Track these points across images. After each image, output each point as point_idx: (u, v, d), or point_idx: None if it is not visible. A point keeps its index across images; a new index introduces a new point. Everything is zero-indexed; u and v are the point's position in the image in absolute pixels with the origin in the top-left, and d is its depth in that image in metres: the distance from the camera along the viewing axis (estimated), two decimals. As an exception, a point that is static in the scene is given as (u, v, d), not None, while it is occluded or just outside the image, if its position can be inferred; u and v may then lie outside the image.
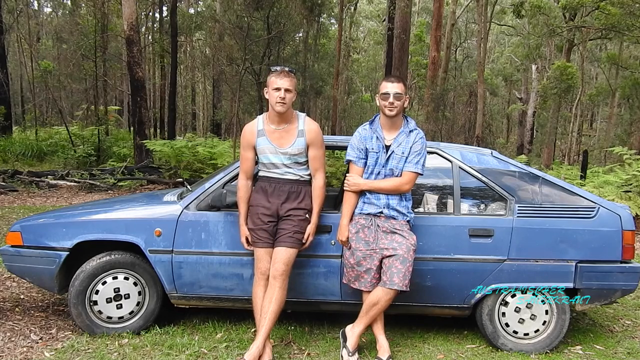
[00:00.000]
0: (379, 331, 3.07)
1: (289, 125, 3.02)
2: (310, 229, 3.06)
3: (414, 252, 2.93)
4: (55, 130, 18.41)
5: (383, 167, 3.03)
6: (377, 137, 3.05)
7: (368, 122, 3.14)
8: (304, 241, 3.05)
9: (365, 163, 3.07)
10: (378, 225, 3.01)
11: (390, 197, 3.02)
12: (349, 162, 3.11)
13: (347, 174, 3.14)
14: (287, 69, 3.00)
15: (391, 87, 2.97)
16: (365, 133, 3.08)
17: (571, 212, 3.21)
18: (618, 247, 3.19)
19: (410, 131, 3.05)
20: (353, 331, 3.05)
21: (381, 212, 3.01)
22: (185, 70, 29.62)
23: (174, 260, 3.23)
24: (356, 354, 3.03)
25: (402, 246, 2.91)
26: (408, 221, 3.04)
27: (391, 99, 2.95)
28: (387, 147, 3.04)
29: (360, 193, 3.08)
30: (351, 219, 3.08)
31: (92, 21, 18.21)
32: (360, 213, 3.06)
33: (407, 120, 3.10)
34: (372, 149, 3.04)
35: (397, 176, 3.02)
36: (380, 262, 2.97)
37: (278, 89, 2.92)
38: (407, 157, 3.01)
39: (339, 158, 12.20)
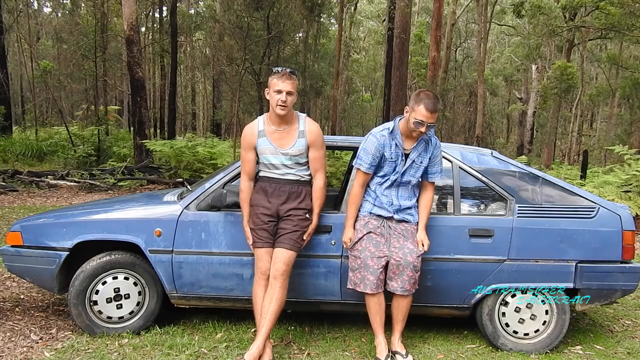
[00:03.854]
0: (380, 330, 3.06)
1: (290, 126, 3.02)
2: (310, 229, 3.06)
3: (421, 258, 2.99)
4: (55, 130, 18.42)
5: (401, 175, 3.02)
6: (396, 144, 3.00)
7: (386, 129, 3.03)
8: (303, 238, 3.05)
9: (375, 170, 3.04)
10: (390, 227, 3.03)
11: (402, 201, 3.04)
12: (357, 168, 3.04)
13: (354, 181, 3.09)
14: (288, 70, 2.98)
15: (427, 118, 2.85)
16: (383, 140, 3.00)
17: (571, 212, 3.21)
18: (618, 247, 3.19)
19: (429, 139, 3.04)
20: (394, 342, 3.09)
21: (392, 217, 3.04)
22: (185, 70, 29.63)
23: (174, 260, 3.23)
24: (409, 355, 3.06)
25: (412, 254, 2.94)
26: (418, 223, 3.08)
27: (423, 129, 2.89)
28: (406, 156, 3.01)
29: (368, 192, 3.09)
30: (358, 219, 3.08)
31: (92, 21, 18.21)
32: (371, 213, 3.06)
33: None
34: (391, 157, 3.00)
35: (413, 185, 3.05)
36: (386, 264, 2.97)
37: (279, 92, 2.91)
38: (427, 167, 3.04)
39: (339, 158, 12.20)
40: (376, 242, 2.99)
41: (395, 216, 3.04)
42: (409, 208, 3.07)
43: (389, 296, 3.04)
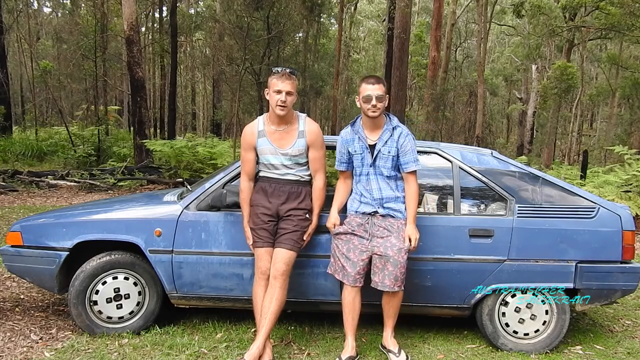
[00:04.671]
0: (350, 331, 3.04)
1: (290, 126, 3.02)
2: (310, 229, 3.06)
3: (405, 253, 2.93)
4: (55, 130, 18.43)
5: (371, 167, 3.03)
6: (359, 137, 3.04)
7: (350, 125, 3.13)
8: (304, 238, 3.05)
9: (350, 166, 3.12)
10: (374, 224, 3.02)
11: (383, 193, 3.02)
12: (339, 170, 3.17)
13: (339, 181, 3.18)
14: (288, 70, 2.98)
15: (372, 90, 2.94)
16: (347, 136, 3.09)
17: (571, 213, 3.21)
18: (618, 247, 3.19)
19: (393, 128, 3.03)
20: (386, 338, 3.10)
21: (376, 212, 3.02)
22: (185, 70, 29.62)
23: (174, 260, 3.23)
24: (402, 351, 3.06)
25: (393, 248, 2.91)
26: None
27: (374, 102, 2.93)
28: (372, 147, 3.02)
29: (355, 191, 3.10)
30: (346, 215, 3.09)
31: (92, 21, 18.21)
32: (357, 212, 3.07)
33: (390, 118, 3.08)
34: (355, 151, 3.04)
35: (387, 176, 3.02)
36: (370, 260, 2.96)
37: (279, 92, 2.91)
38: (396, 157, 3.00)
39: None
40: (360, 238, 2.99)
41: (380, 210, 3.01)
42: (394, 200, 3.02)
43: (373, 295, 3.01)
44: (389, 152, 3.00)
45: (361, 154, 3.03)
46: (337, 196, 3.16)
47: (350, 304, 2.99)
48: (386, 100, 3.01)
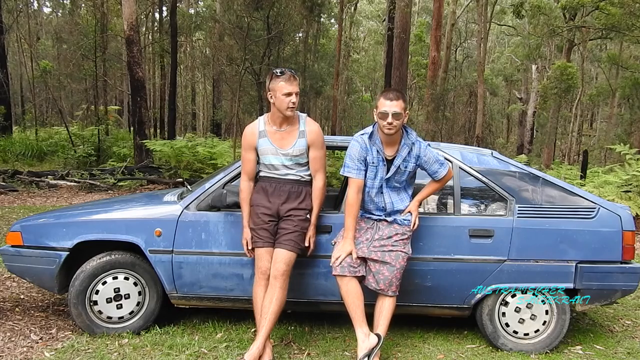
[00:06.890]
0: (356, 322, 2.93)
1: (290, 126, 3.01)
2: (310, 231, 3.06)
3: (403, 259, 2.92)
4: (55, 130, 18.43)
5: (386, 181, 2.99)
6: (377, 150, 2.96)
7: (367, 134, 3.00)
8: (306, 244, 3.04)
9: (365, 174, 2.99)
10: (379, 228, 3.02)
11: (395, 206, 3.01)
12: (348, 176, 2.97)
13: (348, 190, 2.99)
14: (291, 71, 2.96)
15: (390, 106, 2.82)
16: (365, 144, 2.96)
17: (571, 213, 3.21)
18: (618, 247, 3.19)
19: (412, 143, 2.97)
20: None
21: (383, 219, 3.03)
22: (185, 70, 29.62)
23: (174, 260, 3.23)
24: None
25: (390, 254, 2.91)
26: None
27: (390, 119, 2.82)
28: (388, 162, 2.98)
29: (362, 205, 3.04)
30: None
31: (92, 21, 18.20)
32: (362, 216, 3.07)
33: (407, 132, 3.00)
34: (373, 162, 2.96)
35: (401, 188, 3.03)
36: (365, 259, 2.94)
37: (289, 94, 2.89)
38: (414, 171, 3.02)
39: (339, 158, 12.20)
40: (357, 239, 2.98)
41: (388, 218, 3.02)
42: (403, 210, 3.04)
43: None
44: (406, 167, 2.98)
45: (376, 166, 2.96)
46: (351, 220, 2.91)
47: (351, 296, 2.89)
48: (405, 117, 2.89)
